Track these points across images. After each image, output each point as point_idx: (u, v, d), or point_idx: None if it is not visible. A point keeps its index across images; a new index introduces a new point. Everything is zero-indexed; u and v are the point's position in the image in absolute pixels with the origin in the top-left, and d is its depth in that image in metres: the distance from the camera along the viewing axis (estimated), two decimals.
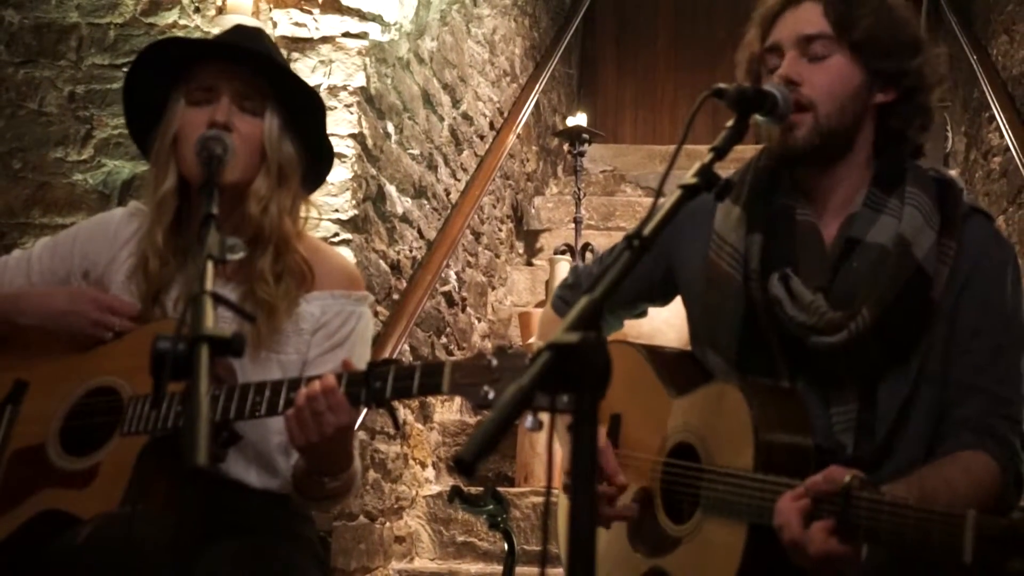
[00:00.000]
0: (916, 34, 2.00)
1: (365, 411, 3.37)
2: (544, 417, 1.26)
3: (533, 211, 6.72)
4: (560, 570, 1.57)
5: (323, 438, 1.94)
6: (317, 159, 2.34)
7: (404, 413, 4.37)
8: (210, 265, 1.61)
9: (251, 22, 3.73)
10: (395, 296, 4.21)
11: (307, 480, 2.13)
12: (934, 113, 2.02)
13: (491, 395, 1.74)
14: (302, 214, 2.31)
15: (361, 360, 2.24)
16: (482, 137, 5.63)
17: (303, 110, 2.27)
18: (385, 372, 1.89)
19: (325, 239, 3.45)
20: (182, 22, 3.98)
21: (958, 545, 1.46)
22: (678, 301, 2.17)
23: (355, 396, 1.92)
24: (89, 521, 1.94)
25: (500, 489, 2.96)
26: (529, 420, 1.27)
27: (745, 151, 2.51)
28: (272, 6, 3.90)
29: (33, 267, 2.35)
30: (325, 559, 2.35)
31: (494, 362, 1.76)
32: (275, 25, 3.87)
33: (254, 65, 2.23)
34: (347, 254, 3.63)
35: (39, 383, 2.22)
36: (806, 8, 1.97)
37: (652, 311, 2.27)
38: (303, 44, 3.89)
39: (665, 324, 2.31)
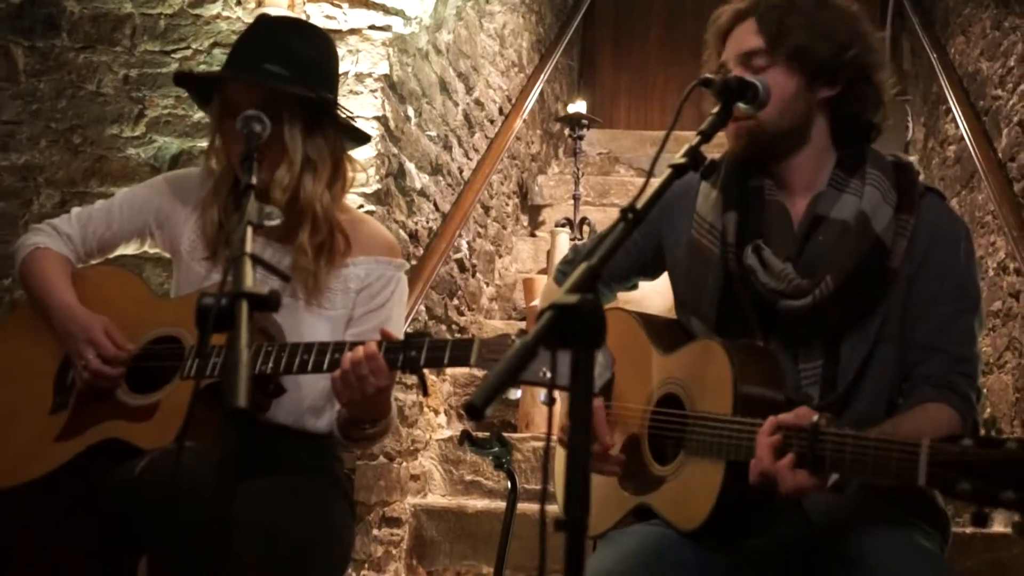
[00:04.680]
0: (852, 27, 1.94)
1: None
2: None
3: (536, 188, 6.71)
4: (556, 507, 1.57)
5: (364, 397, 1.97)
6: (351, 135, 2.35)
7: None
8: (249, 230, 1.61)
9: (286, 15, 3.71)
10: (413, 262, 4.21)
11: (350, 427, 2.17)
12: (884, 91, 1.98)
13: None
14: (349, 173, 2.32)
15: (398, 320, 2.27)
16: (492, 121, 5.61)
17: (321, 109, 2.24)
18: (421, 343, 1.93)
19: None
20: (225, 13, 3.96)
21: (913, 470, 1.47)
22: (664, 275, 2.18)
23: (392, 361, 1.96)
24: (145, 454, 1.96)
25: (504, 434, 2.97)
26: (543, 395, 1.29)
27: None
28: (306, 0, 3.88)
29: (113, 216, 2.37)
30: (351, 494, 2.37)
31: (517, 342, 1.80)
32: (308, 17, 3.85)
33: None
34: None
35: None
36: (746, 25, 1.95)
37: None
38: (333, 35, 3.84)
39: (653, 291, 2.32)
